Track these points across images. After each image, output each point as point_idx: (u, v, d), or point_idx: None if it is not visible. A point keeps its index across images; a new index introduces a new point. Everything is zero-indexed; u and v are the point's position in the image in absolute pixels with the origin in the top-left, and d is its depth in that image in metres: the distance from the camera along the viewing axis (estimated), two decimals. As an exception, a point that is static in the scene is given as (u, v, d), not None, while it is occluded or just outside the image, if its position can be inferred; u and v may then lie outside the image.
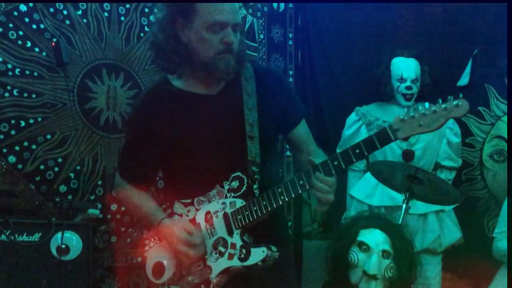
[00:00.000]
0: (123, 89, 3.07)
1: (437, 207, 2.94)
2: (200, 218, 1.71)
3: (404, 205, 2.58)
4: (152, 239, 1.80)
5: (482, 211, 3.17)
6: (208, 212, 1.70)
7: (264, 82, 1.78)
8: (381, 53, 3.24)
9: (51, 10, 2.85)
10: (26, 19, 2.77)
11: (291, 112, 1.82)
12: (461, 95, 1.57)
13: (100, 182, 2.96)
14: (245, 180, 1.66)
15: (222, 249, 1.65)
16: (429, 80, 3.15)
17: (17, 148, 2.73)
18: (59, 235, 2.40)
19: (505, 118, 3.10)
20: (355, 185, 3.15)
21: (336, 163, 1.57)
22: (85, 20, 2.95)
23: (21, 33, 2.75)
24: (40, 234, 2.39)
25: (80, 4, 2.93)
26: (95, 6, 2.98)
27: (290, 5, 3.72)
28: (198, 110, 1.74)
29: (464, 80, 3.24)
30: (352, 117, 3.22)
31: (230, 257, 1.63)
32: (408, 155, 3.03)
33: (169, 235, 1.68)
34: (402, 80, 3.09)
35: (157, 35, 1.73)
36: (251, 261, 1.61)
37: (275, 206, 1.61)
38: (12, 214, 2.55)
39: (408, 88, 3.08)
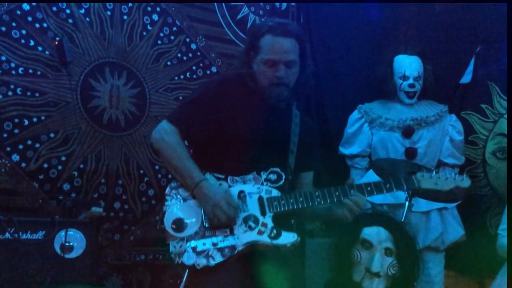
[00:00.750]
0: (126, 87, 3.08)
1: (440, 205, 2.94)
2: (233, 193, 1.92)
3: (406, 203, 2.58)
4: (176, 196, 1.94)
5: (484, 208, 3.16)
6: (242, 191, 1.92)
7: (304, 127, 2.14)
8: (384, 51, 3.24)
9: (54, 9, 2.85)
10: (29, 18, 2.78)
11: (309, 159, 2.14)
12: (464, 175, 2.09)
13: (103, 180, 2.97)
14: (283, 176, 1.97)
15: (252, 224, 1.87)
16: (432, 78, 3.14)
17: (20, 146, 2.74)
18: (62, 233, 2.41)
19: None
20: (358, 183, 3.14)
21: (369, 188, 1.97)
22: (88, 19, 2.96)
23: (24, 32, 2.76)
24: (44, 232, 2.41)
25: (82, 2, 2.94)
26: (98, 5, 2.98)
27: (292, 3, 3.72)
28: (257, 107, 2.03)
29: (467, 77, 3.24)
30: (355, 115, 3.22)
31: (260, 233, 1.85)
32: (410, 152, 3.02)
33: (212, 193, 1.87)
34: (404, 77, 3.09)
35: (237, 67, 2.15)
36: (281, 241, 1.85)
37: (310, 205, 1.92)
38: (16, 212, 2.57)
39: (411, 85, 3.08)
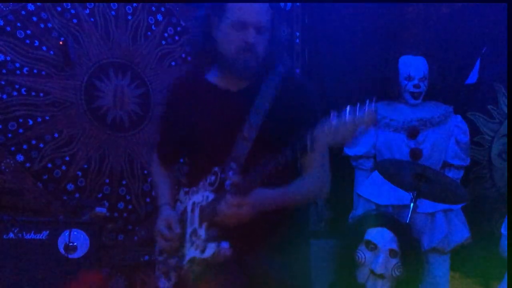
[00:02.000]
0: (130, 88, 3.08)
1: (445, 206, 2.92)
2: (189, 207, 1.80)
3: (411, 204, 2.57)
4: None
5: (490, 210, 3.14)
6: (193, 203, 1.77)
7: (288, 93, 1.77)
8: (389, 51, 3.22)
9: (59, 9, 2.86)
10: (34, 18, 2.78)
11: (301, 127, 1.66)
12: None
13: (107, 181, 2.97)
14: (219, 176, 1.70)
15: (194, 239, 1.72)
16: (437, 78, 3.13)
17: (25, 146, 2.74)
18: (66, 233, 2.41)
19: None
20: (363, 184, 3.14)
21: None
22: (92, 19, 2.96)
23: (29, 32, 2.77)
24: (47, 232, 2.41)
25: (87, 3, 2.94)
26: (102, 5, 2.99)
27: (297, 3, 3.71)
28: (211, 103, 1.80)
29: (472, 78, 3.22)
30: (359, 115, 3.20)
31: (196, 247, 1.70)
32: (415, 153, 3.01)
33: (158, 219, 1.86)
34: (409, 78, 3.07)
35: (195, 33, 1.87)
36: (206, 254, 1.66)
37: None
38: (20, 212, 2.57)
39: (416, 86, 3.06)
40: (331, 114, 1.47)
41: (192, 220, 1.75)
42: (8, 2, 2.71)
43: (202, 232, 1.69)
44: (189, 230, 1.75)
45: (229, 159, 1.70)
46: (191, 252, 1.71)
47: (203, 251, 1.67)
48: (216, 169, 1.71)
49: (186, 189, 1.85)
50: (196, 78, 1.87)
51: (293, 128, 1.66)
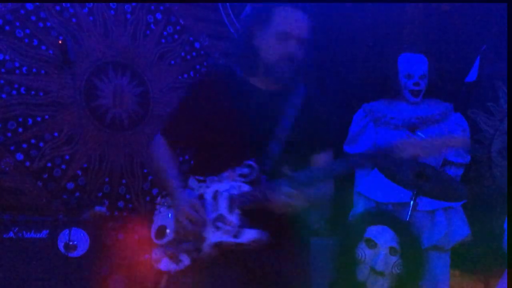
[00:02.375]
0: (130, 86, 3.08)
1: (445, 204, 2.92)
2: (209, 194, 1.86)
3: (411, 202, 2.57)
4: (164, 204, 1.94)
5: (490, 207, 3.15)
6: (217, 191, 1.84)
7: (311, 100, 1.94)
8: (389, 49, 3.22)
9: (58, 8, 2.86)
10: (33, 17, 2.78)
11: (313, 141, 1.94)
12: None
13: (107, 179, 2.97)
14: (256, 169, 1.81)
15: (220, 224, 1.79)
16: (436, 76, 3.12)
17: (24, 145, 2.74)
18: (66, 232, 2.41)
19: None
20: (362, 182, 3.14)
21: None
22: (91, 18, 2.96)
23: (28, 31, 2.77)
24: (48, 231, 2.41)
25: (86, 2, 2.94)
26: (101, 4, 2.99)
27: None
28: (246, 100, 1.88)
29: (472, 76, 3.22)
30: (359, 113, 3.20)
31: (226, 232, 1.78)
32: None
33: (179, 201, 1.83)
34: (409, 76, 3.07)
35: (237, 39, 2.05)
36: (242, 239, 1.76)
37: (266, 201, 1.76)
38: (20, 211, 2.57)
39: (416, 84, 3.06)
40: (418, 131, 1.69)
41: (216, 206, 1.82)
42: (9, 2, 2.71)
43: (233, 218, 1.78)
44: (211, 216, 1.82)
45: (264, 155, 1.82)
46: (215, 236, 1.78)
47: (236, 236, 1.77)
48: (250, 162, 1.81)
49: (201, 178, 1.88)
50: (230, 75, 1.92)
51: (317, 133, 1.91)
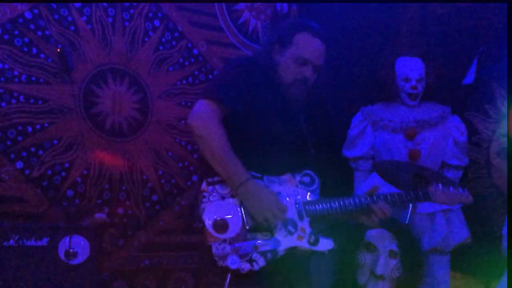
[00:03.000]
0: (129, 93, 3.09)
1: (445, 206, 2.92)
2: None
3: (411, 205, 2.57)
4: (213, 193, 1.82)
5: (490, 209, 3.14)
6: (279, 192, 1.87)
7: (316, 111, 2.14)
8: (386, 53, 3.23)
9: (56, 16, 2.87)
10: (32, 26, 2.80)
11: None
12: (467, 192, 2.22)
13: (107, 186, 2.98)
14: (317, 181, 1.97)
15: (291, 229, 1.84)
16: (434, 79, 3.13)
17: (24, 153, 2.75)
18: (66, 239, 2.42)
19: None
20: (361, 185, 3.14)
21: (393, 199, 2.02)
22: (89, 26, 2.97)
23: (26, 40, 2.78)
24: (48, 238, 2.41)
25: (85, 9, 2.96)
26: (99, 11, 3.00)
27: (294, 6, 3.73)
28: (286, 105, 1.98)
29: (469, 78, 3.22)
30: (358, 117, 3.21)
31: (299, 238, 1.84)
32: (414, 154, 3.01)
33: (264, 195, 1.80)
34: (407, 79, 3.08)
35: (256, 53, 2.15)
36: (320, 247, 1.87)
37: (343, 212, 1.93)
38: (20, 219, 2.58)
39: (413, 87, 3.07)
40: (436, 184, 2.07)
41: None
42: (25, 2, 2.73)
43: (305, 225, 1.86)
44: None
45: (315, 165, 2.00)
46: (290, 240, 1.83)
47: (313, 244, 1.85)
48: (309, 172, 1.96)
49: (258, 175, 1.86)
50: (267, 74, 1.98)
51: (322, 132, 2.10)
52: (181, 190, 3.22)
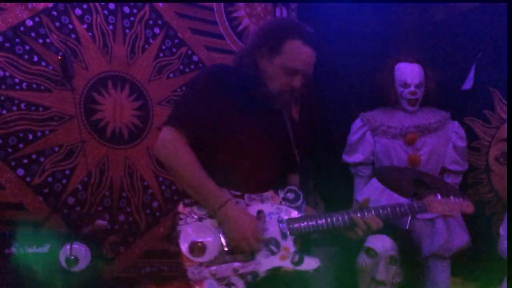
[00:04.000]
0: (129, 100, 3.10)
1: (444, 212, 2.93)
2: (252, 213, 1.79)
3: (410, 211, 2.57)
4: (191, 214, 1.75)
5: (489, 214, 3.15)
6: (261, 211, 1.78)
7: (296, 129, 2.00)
8: (385, 59, 3.25)
9: (57, 24, 2.89)
10: (32, 34, 2.81)
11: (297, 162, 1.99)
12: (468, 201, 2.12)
13: (107, 193, 2.98)
14: (301, 196, 1.85)
15: (274, 248, 1.75)
16: (433, 84, 3.15)
17: (25, 161, 2.76)
18: (67, 246, 2.42)
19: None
20: (362, 191, 3.15)
21: (385, 212, 1.87)
22: (90, 33, 2.99)
23: (27, 47, 2.79)
24: (49, 245, 2.41)
25: (85, 17, 2.97)
26: (100, 19, 3.02)
27: (294, 13, 3.74)
28: (263, 111, 1.87)
29: (468, 84, 3.24)
30: (357, 123, 3.22)
31: (282, 258, 1.74)
32: (414, 160, 3.02)
33: (240, 221, 1.71)
34: (406, 85, 3.09)
35: (240, 54, 1.93)
36: (304, 267, 1.75)
37: (329, 228, 1.81)
38: (21, 226, 2.57)
39: (412, 93, 3.08)
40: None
41: (263, 228, 1.76)
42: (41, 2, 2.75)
43: (289, 244, 1.76)
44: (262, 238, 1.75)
45: (299, 179, 1.93)
46: (272, 260, 1.74)
47: (297, 264, 1.74)
48: (294, 188, 1.85)
49: (237, 193, 1.78)
50: (240, 78, 1.87)
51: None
52: (181, 196, 3.22)
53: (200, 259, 1.69)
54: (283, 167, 1.91)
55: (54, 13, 2.87)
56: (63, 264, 2.40)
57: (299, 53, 1.81)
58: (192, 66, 3.34)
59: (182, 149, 1.75)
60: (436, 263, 2.92)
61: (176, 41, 3.29)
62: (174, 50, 3.27)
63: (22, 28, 2.78)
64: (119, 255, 2.98)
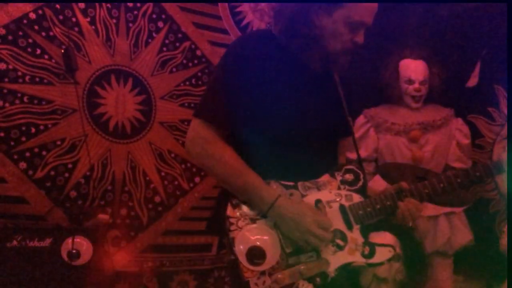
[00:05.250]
0: (132, 94, 3.09)
1: (448, 209, 2.92)
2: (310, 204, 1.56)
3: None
4: (242, 217, 1.52)
5: (493, 212, 3.15)
6: (318, 200, 1.55)
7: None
8: (389, 56, 3.23)
9: (60, 17, 2.88)
10: (36, 27, 2.80)
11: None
12: None
13: (110, 187, 2.98)
14: (361, 176, 1.60)
15: (340, 242, 1.52)
16: (437, 81, 3.13)
17: (27, 154, 2.75)
18: (69, 240, 2.42)
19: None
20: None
21: (427, 191, 1.65)
22: (93, 27, 2.98)
23: (30, 40, 2.78)
24: (51, 239, 2.41)
25: (88, 11, 2.96)
26: (103, 13, 3.01)
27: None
28: (307, 78, 1.62)
29: (472, 81, 3.22)
30: (361, 119, 3.21)
31: (351, 252, 1.52)
32: (417, 157, 3.01)
33: (298, 215, 1.47)
34: (410, 82, 3.08)
35: (288, 13, 1.62)
36: (377, 259, 1.54)
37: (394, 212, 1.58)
38: (23, 219, 2.58)
39: (417, 90, 3.07)
40: None
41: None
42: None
43: (356, 235, 1.54)
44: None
45: (359, 156, 1.65)
46: (341, 257, 1.51)
47: (368, 256, 1.52)
48: (351, 167, 1.60)
49: (289, 183, 1.55)
50: (277, 43, 1.62)
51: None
52: (184, 191, 3.23)
53: (260, 267, 1.47)
54: (336, 138, 1.69)
55: (57, 6, 2.86)
56: (65, 258, 2.40)
57: (363, 4, 1.59)
58: (196, 61, 3.33)
59: (216, 146, 1.53)
60: (439, 260, 2.92)
61: (180, 35, 3.28)
62: (177, 44, 3.26)
63: (25, 21, 2.77)
64: (121, 249, 2.98)
